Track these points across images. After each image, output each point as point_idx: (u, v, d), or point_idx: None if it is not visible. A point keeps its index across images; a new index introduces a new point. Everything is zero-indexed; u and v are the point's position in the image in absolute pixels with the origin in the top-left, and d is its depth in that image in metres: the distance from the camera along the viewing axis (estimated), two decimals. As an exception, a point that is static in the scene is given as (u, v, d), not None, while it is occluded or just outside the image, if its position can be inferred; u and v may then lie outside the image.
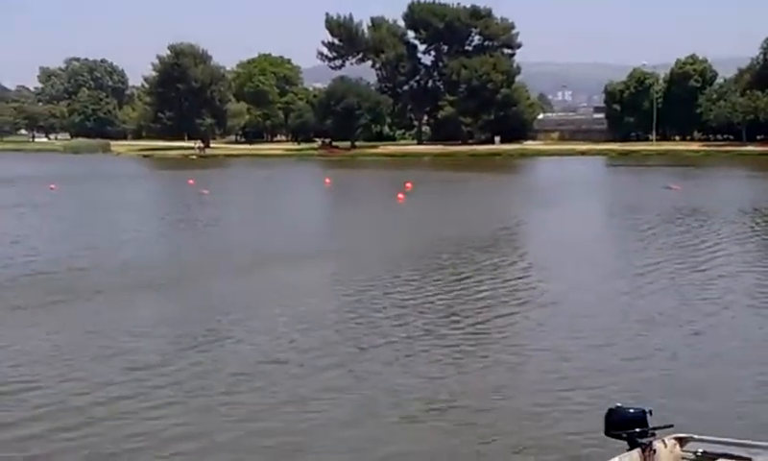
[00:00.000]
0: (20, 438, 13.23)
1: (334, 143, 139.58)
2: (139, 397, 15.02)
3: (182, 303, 23.46)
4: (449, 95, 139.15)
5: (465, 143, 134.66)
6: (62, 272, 28.05)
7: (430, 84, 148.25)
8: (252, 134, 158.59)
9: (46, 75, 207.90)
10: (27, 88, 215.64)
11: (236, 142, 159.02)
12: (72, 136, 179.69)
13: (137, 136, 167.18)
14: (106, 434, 13.28)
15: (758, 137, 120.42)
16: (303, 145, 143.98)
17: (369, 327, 20.10)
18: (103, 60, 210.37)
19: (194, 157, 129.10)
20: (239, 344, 18.78)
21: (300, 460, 12.48)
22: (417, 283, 25.64)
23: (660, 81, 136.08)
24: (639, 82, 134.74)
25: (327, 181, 74.76)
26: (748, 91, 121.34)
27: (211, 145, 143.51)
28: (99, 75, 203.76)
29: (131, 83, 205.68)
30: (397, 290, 24.65)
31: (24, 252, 32.65)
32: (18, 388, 15.61)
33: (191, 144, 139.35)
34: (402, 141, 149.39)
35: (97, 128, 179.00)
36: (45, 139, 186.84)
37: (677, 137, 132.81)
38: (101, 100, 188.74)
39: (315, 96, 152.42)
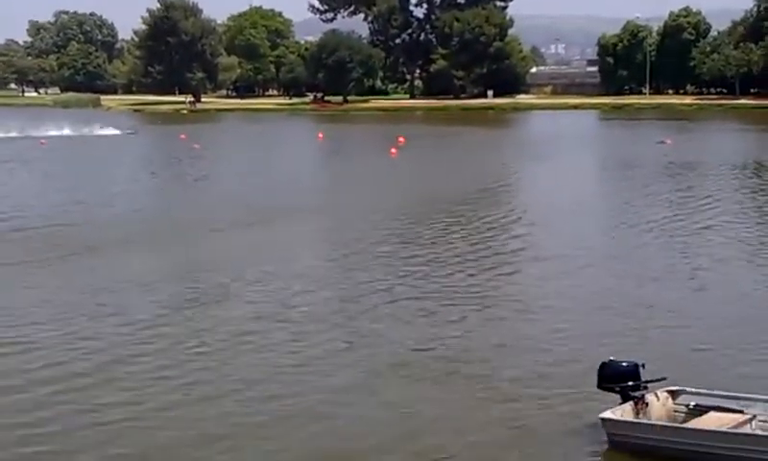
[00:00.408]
0: (17, 402, 13.23)
1: (326, 98, 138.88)
2: (135, 358, 15.03)
3: (173, 260, 23.42)
4: (442, 48, 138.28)
5: (457, 97, 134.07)
6: (50, 227, 28.04)
7: (422, 37, 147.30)
8: (244, 89, 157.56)
9: (35, 28, 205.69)
10: (16, 42, 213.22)
11: (227, 97, 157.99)
12: (62, 91, 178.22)
13: (128, 91, 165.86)
14: (100, 396, 13.29)
15: (752, 91, 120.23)
16: (295, 99, 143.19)
17: (361, 282, 20.12)
18: (92, 14, 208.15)
19: (185, 111, 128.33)
20: (231, 301, 18.81)
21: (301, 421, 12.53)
22: (411, 239, 25.66)
23: (654, 33, 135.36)
24: (633, 35, 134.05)
25: (320, 135, 74.50)
26: (741, 44, 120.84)
27: (202, 99, 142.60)
28: (88, 28, 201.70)
29: (120, 36, 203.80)
30: (391, 245, 24.67)
31: (12, 207, 32.55)
32: (15, 350, 15.56)
33: (182, 98, 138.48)
34: (395, 95, 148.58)
35: (87, 82, 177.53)
36: (35, 94, 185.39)
37: (670, 91, 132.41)
38: (90, 54, 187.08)
39: (306, 50, 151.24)
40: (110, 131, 76.96)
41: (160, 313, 17.61)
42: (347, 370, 14.25)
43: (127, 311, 17.67)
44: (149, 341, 15.81)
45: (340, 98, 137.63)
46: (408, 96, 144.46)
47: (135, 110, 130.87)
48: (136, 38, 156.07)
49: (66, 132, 75.70)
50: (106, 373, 14.22)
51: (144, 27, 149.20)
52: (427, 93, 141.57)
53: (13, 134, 72.29)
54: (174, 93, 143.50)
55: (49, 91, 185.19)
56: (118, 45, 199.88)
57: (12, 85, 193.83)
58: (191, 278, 20.79)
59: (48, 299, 18.80)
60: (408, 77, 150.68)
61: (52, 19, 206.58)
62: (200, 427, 12.05)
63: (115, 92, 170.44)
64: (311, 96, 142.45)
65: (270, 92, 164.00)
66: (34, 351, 15.32)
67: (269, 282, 20.03)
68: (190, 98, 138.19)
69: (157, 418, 12.42)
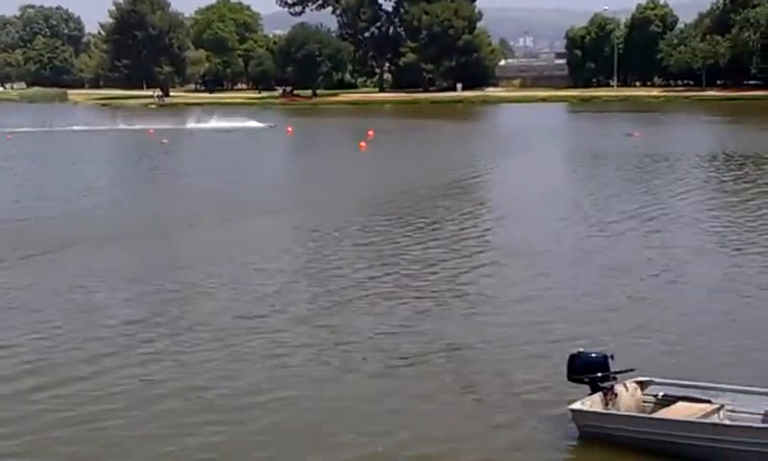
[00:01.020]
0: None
1: (295, 91, 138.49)
2: (114, 354, 14.93)
3: (142, 257, 23.28)
4: (411, 42, 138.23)
5: (426, 90, 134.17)
6: (13, 223, 27.76)
7: (391, 30, 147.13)
8: (212, 83, 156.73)
9: (1, 23, 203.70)
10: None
11: (196, 91, 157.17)
12: (28, 85, 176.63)
13: (95, 85, 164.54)
14: (81, 394, 13.19)
15: (718, 82, 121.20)
16: (264, 93, 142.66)
17: (331, 276, 20.11)
18: (58, 8, 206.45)
19: (153, 106, 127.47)
20: (203, 297, 18.73)
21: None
22: (380, 232, 25.65)
23: (622, 26, 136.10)
24: (600, 27, 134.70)
25: (289, 129, 74.26)
26: (708, 36, 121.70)
27: (171, 94, 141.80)
28: (54, 22, 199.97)
29: (87, 30, 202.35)
30: (360, 239, 24.66)
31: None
32: None
33: (150, 93, 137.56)
34: (364, 89, 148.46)
35: (53, 76, 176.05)
36: (1, 88, 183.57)
37: (638, 83, 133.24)
38: (57, 48, 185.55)
39: (275, 43, 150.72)
40: (252, 123, 77.26)
41: (131, 311, 17.54)
42: (312, 364, 14.27)
43: (103, 309, 17.57)
44: (119, 335, 15.74)
45: (309, 92, 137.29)
46: (377, 90, 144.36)
47: (103, 105, 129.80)
48: (103, 32, 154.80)
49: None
50: (81, 368, 14.15)
51: (111, 21, 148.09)
52: (396, 87, 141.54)
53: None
54: (142, 88, 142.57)
55: (15, 86, 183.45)
56: (85, 39, 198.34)
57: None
58: (161, 274, 20.68)
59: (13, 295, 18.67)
60: (377, 70, 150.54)
61: (18, 13, 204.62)
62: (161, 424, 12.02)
63: (82, 87, 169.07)
64: (280, 90, 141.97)
65: (239, 86, 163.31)
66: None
67: (236, 278, 19.96)
68: (158, 92, 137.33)
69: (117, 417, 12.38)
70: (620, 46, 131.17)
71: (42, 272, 21.00)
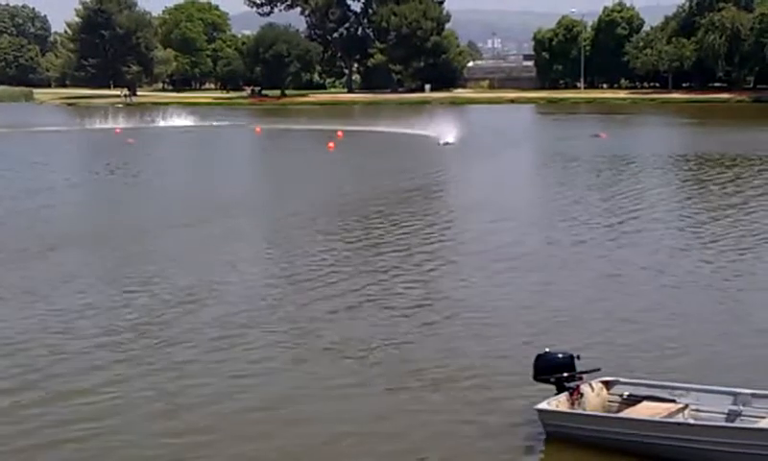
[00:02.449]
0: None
1: (264, 91, 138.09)
2: (92, 356, 14.86)
3: (107, 259, 23.08)
4: (379, 43, 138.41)
5: (395, 91, 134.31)
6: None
7: (360, 31, 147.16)
8: (180, 83, 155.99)
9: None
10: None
11: (164, 90, 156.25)
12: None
13: (61, 84, 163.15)
14: (67, 409, 13.05)
15: (684, 85, 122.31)
16: (232, 93, 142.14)
17: (300, 278, 20.07)
18: (24, 6, 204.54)
19: (120, 105, 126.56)
20: (160, 297, 18.61)
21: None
22: (347, 233, 25.64)
23: (588, 28, 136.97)
24: (568, 29, 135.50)
25: (257, 129, 74.06)
26: (674, 39, 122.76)
27: (138, 93, 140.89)
28: (20, 21, 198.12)
29: (53, 29, 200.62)
30: (325, 241, 24.62)
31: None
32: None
33: (118, 92, 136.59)
34: (332, 90, 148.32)
35: (19, 75, 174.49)
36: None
37: (604, 85, 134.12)
38: (22, 47, 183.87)
39: (243, 44, 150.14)
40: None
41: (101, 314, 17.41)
42: (277, 363, 14.24)
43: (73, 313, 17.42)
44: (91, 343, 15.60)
45: (278, 92, 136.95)
46: (346, 90, 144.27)
47: (69, 104, 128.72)
48: (69, 31, 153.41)
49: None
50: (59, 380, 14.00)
51: (77, 20, 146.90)
52: (365, 87, 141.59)
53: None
54: (109, 87, 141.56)
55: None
56: (51, 38, 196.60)
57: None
58: (130, 278, 20.53)
59: None
60: (346, 71, 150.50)
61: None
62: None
63: (48, 86, 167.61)
64: (248, 90, 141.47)
65: (207, 86, 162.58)
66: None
67: (203, 283, 19.87)
68: (126, 92, 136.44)
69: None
70: (587, 48, 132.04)
71: None
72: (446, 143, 54.25)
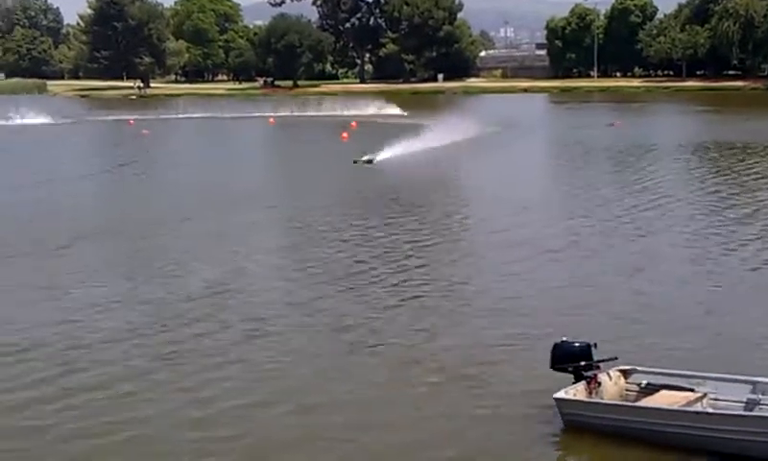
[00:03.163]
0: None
1: (276, 82, 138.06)
2: (99, 334, 14.96)
3: (117, 251, 23.13)
4: (391, 33, 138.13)
5: (407, 81, 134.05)
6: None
7: (372, 21, 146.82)
8: (193, 74, 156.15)
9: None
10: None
11: (176, 82, 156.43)
12: (7, 76, 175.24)
13: (74, 76, 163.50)
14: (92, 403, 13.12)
15: (698, 73, 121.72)
16: (245, 84, 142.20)
17: (317, 263, 20.10)
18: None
19: (134, 96, 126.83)
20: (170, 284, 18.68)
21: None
22: (360, 222, 25.64)
23: (601, 17, 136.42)
24: (581, 18, 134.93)
25: (271, 120, 74.05)
26: (687, 26, 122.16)
27: (151, 85, 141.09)
28: (33, 14, 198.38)
29: (66, 21, 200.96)
30: (339, 232, 24.63)
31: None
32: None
33: (131, 84, 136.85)
34: (345, 80, 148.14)
35: (32, 68, 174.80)
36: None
37: (618, 74, 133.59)
38: (35, 39, 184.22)
39: (255, 34, 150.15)
40: None
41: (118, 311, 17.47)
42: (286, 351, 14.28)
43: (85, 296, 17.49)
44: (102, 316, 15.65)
45: (290, 83, 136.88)
46: (358, 81, 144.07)
47: (82, 96, 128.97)
48: (82, 24, 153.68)
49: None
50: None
51: (90, 12, 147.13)
52: (377, 77, 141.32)
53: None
54: (122, 79, 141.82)
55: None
56: (64, 30, 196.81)
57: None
58: (146, 271, 20.61)
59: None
60: (358, 61, 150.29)
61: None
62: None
63: (62, 78, 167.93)
64: (261, 81, 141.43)
65: (219, 77, 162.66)
66: None
67: (217, 274, 19.93)
68: (139, 83, 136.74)
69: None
70: (600, 37, 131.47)
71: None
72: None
